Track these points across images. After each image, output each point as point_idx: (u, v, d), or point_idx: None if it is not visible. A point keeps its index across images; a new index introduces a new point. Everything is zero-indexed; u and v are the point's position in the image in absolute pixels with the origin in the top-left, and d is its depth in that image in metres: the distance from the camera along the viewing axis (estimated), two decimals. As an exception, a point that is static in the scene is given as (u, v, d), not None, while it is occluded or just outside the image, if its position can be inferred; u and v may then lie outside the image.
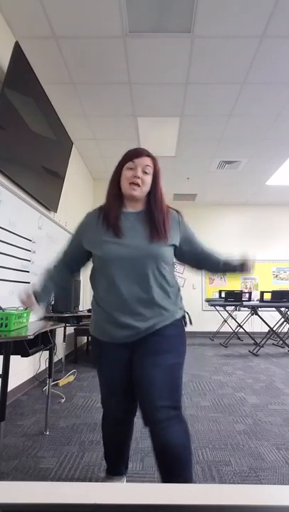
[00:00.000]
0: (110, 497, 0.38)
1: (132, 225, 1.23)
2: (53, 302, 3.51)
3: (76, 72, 3.00)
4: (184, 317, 1.29)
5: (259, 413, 2.40)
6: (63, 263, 1.39)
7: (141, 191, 1.23)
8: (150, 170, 1.24)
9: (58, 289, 1.44)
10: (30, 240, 3.04)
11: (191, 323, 1.31)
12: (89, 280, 1.33)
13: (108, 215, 1.24)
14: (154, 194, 1.26)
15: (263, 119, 3.75)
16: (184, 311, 1.30)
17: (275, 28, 2.45)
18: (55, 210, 3.72)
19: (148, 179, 1.24)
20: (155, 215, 1.23)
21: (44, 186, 3.32)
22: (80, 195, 5.04)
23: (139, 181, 1.21)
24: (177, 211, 1.34)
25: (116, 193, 1.27)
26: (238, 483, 1.53)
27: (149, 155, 1.26)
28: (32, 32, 2.53)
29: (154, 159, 1.27)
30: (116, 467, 1.44)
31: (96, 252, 1.24)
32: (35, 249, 3.16)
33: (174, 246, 1.28)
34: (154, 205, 1.25)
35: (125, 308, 1.19)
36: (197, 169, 5.25)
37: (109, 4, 2.28)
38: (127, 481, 1.47)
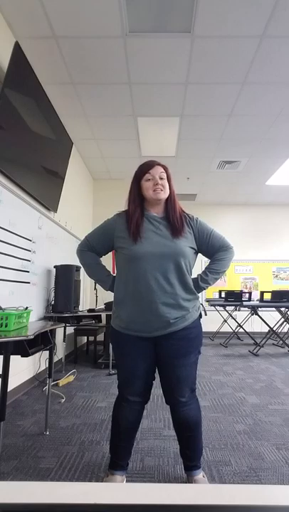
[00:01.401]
0: (110, 497, 0.38)
1: (156, 226, 1.41)
2: (53, 302, 3.51)
3: (76, 72, 3.01)
4: (200, 313, 1.47)
5: (259, 413, 2.40)
6: (94, 251, 1.54)
7: (164, 193, 1.43)
8: (164, 176, 1.45)
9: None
10: (30, 240, 3.04)
11: (205, 313, 1.55)
12: (115, 276, 1.49)
13: (136, 222, 1.40)
14: (169, 197, 1.46)
15: (263, 119, 3.75)
16: (200, 304, 1.49)
17: (275, 28, 2.45)
18: (55, 210, 3.72)
19: (166, 184, 1.44)
20: (171, 215, 1.43)
21: (44, 186, 3.32)
22: (80, 195, 5.04)
23: (161, 187, 1.41)
24: (190, 216, 1.50)
25: (138, 202, 1.44)
26: (238, 483, 1.53)
27: (159, 164, 1.46)
28: (32, 32, 2.53)
29: (164, 167, 1.47)
30: (119, 462, 1.46)
31: (128, 249, 1.37)
32: (35, 249, 3.15)
33: (193, 249, 1.44)
34: (170, 207, 1.45)
35: (152, 301, 1.33)
36: (197, 169, 5.25)
37: (109, 4, 2.28)
38: (127, 481, 1.48)
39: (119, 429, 1.47)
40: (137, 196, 1.45)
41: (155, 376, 1.47)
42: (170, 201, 1.46)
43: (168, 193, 1.45)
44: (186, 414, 1.43)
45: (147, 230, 1.40)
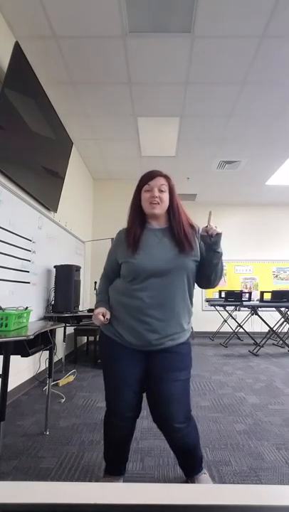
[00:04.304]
0: (110, 497, 0.38)
1: (159, 239, 1.36)
2: (53, 302, 3.51)
3: (76, 72, 3.01)
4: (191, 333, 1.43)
5: (259, 413, 2.40)
6: (108, 278, 1.49)
7: (161, 208, 1.36)
8: (165, 188, 1.38)
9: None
10: (30, 240, 3.04)
11: (192, 338, 1.45)
12: (111, 289, 1.43)
13: (134, 233, 1.36)
14: (172, 209, 1.39)
15: (263, 119, 3.75)
16: (191, 327, 1.43)
17: (275, 28, 2.45)
18: (55, 210, 3.72)
19: (165, 197, 1.37)
20: (175, 229, 1.36)
21: (44, 186, 3.32)
22: (80, 195, 5.04)
23: (157, 200, 1.35)
24: (196, 226, 1.44)
25: (138, 214, 1.40)
26: (238, 483, 1.53)
27: (161, 175, 1.40)
28: (32, 32, 2.53)
29: (167, 178, 1.40)
30: (115, 467, 1.45)
31: (128, 262, 1.33)
32: (35, 249, 3.15)
33: (196, 261, 1.37)
34: (173, 221, 1.39)
35: (147, 318, 1.28)
36: (197, 169, 5.25)
37: (109, 4, 2.28)
38: (126, 481, 1.47)
39: (112, 446, 1.43)
40: (138, 207, 1.40)
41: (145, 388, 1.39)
42: (172, 213, 1.39)
43: (166, 206, 1.38)
44: (183, 441, 1.36)
45: (150, 243, 1.34)
